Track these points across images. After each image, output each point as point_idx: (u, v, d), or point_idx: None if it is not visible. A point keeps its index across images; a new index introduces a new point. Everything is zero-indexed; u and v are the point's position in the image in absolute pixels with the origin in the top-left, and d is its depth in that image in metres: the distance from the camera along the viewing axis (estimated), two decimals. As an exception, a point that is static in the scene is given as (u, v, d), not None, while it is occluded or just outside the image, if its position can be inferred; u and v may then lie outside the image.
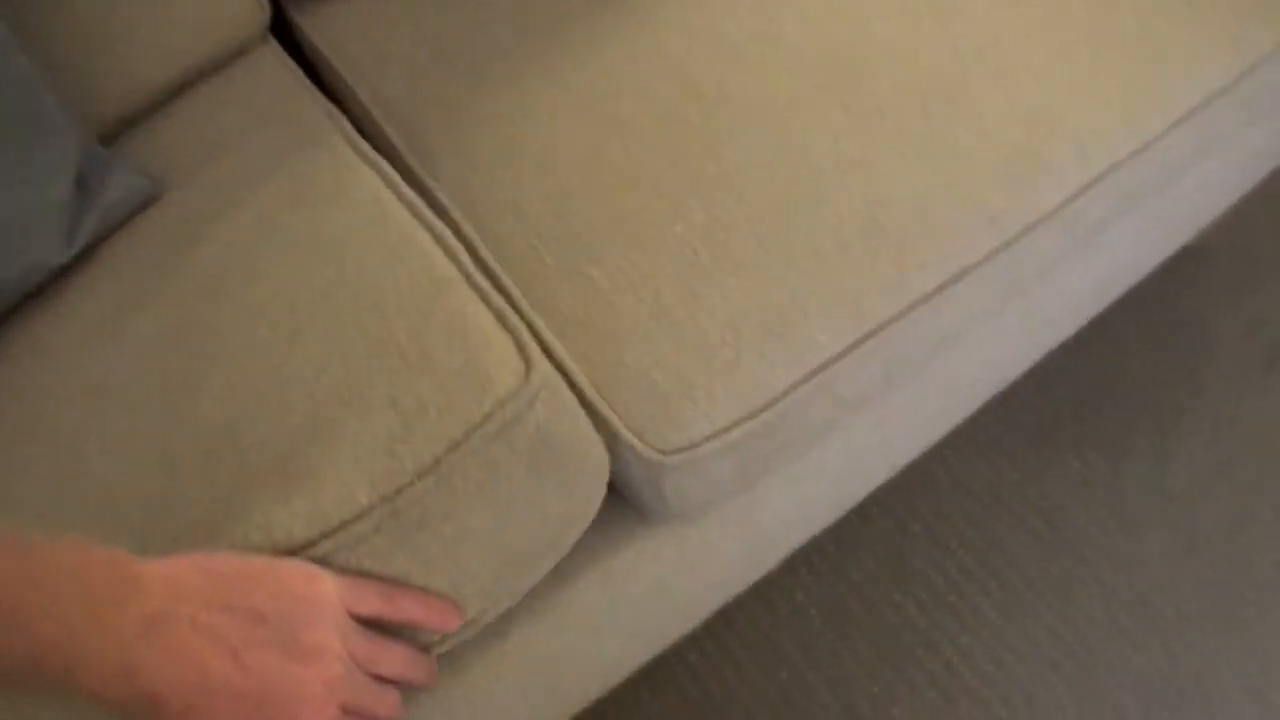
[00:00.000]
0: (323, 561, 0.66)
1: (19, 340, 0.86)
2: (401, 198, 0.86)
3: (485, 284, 0.78)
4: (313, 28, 1.05)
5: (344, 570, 0.67)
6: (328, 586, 0.63)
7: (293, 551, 0.66)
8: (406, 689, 0.69)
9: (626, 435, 0.79)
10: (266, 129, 0.95)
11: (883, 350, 0.83)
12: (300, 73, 1.02)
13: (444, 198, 0.91)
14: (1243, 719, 1.17)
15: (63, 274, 0.88)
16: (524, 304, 0.84)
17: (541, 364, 0.73)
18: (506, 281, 0.85)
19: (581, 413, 0.77)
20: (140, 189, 0.90)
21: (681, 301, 0.82)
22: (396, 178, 0.88)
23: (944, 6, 0.94)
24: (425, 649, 0.73)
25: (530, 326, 0.81)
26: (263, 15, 1.03)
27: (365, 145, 0.92)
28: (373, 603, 0.65)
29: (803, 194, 0.85)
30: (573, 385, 0.80)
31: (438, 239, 0.82)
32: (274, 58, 1.03)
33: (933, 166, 0.86)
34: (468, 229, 0.89)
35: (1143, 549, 1.26)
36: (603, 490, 0.82)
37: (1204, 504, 1.29)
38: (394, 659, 0.67)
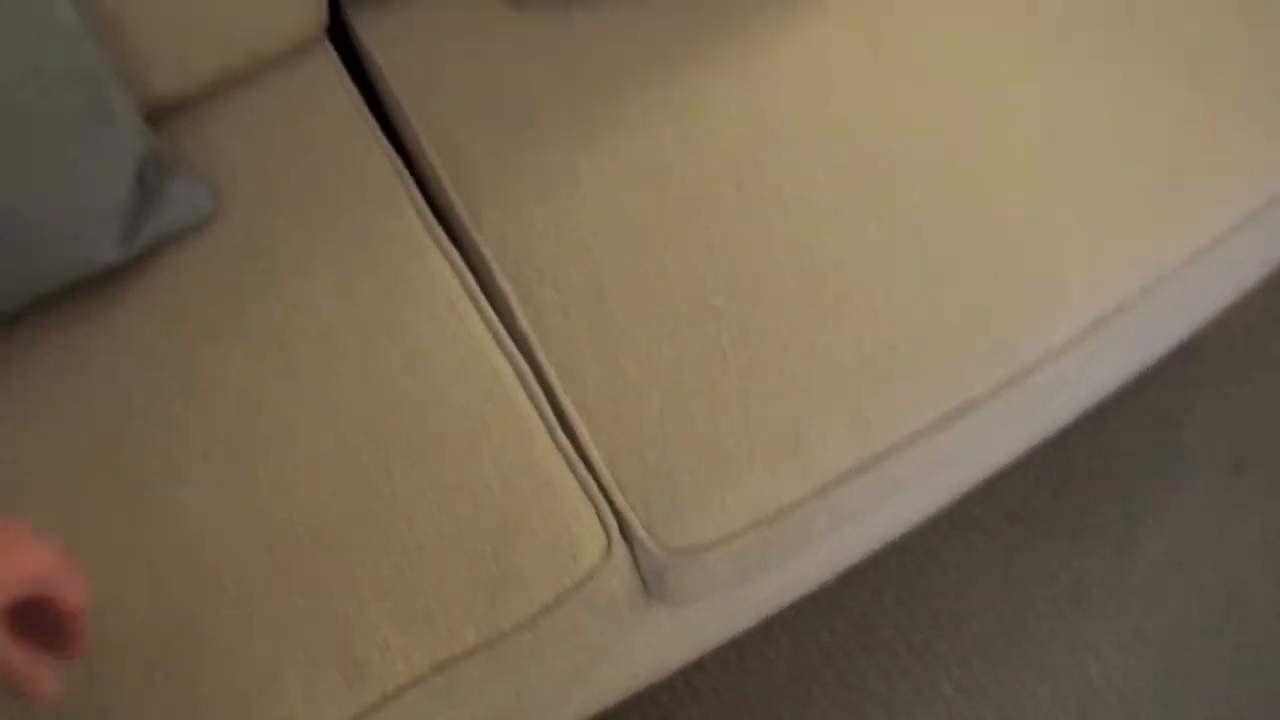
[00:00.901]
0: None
1: (71, 339, 0.89)
2: (481, 312, 0.90)
3: (566, 442, 0.85)
4: (369, 34, 1.05)
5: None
6: None
7: (413, 683, 0.78)
8: None
9: (640, 532, 0.83)
10: (329, 164, 0.96)
11: (886, 473, 0.87)
12: (355, 91, 1.02)
13: (486, 251, 0.93)
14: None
15: (117, 278, 0.91)
16: (556, 381, 0.88)
17: (619, 541, 0.83)
18: (540, 356, 0.89)
19: (636, 571, 0.87)
20: (201, 204, 0.92)
21: (706, 405, 0.85)
22: (472, 282, 0.92)
23: (986, 111, 0.96)
24: None
25: (569, 429, 0.88)
26: (321, 14, 1.02)
27: (432, 219, 0.95)
28: None
29: (830, 305, 0.88)
30: (595, 475, 0.85)
31: (520, 376, 0.87)
32: (328, 66, 1.03)
33: (953, 290, 0.89)
34: (506, 288, 0.91)
35: (1095, 636, 1.32)
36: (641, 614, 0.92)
37: (1156, 597, 1.34)
38: None
